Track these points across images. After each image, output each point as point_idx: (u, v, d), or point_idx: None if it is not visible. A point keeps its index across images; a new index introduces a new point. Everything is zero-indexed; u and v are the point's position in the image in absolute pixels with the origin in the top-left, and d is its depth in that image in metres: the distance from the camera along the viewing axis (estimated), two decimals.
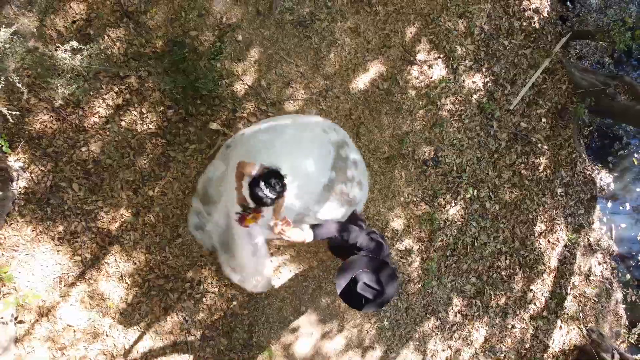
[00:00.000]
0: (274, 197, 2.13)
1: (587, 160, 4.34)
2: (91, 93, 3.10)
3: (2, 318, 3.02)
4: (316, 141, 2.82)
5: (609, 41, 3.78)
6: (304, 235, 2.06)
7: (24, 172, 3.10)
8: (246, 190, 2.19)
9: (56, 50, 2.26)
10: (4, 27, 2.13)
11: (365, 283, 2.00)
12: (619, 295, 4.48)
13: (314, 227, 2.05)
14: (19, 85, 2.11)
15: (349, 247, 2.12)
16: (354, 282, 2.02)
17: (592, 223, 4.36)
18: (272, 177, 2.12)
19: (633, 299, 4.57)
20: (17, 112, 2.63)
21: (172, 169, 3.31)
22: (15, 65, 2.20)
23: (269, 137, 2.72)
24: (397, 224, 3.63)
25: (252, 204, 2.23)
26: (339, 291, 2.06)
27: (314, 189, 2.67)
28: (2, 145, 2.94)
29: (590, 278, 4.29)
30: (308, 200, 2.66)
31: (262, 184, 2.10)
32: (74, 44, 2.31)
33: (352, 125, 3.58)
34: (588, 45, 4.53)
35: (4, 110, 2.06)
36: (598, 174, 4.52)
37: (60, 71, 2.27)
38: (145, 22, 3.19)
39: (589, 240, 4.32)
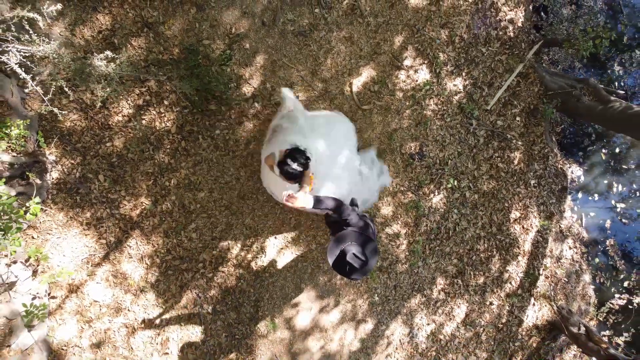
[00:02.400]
0: (300, 169, 2.57)
1: (558, 155, 4.73)
2: (116, 95, 3.48)
3: (38, 294, 3.39)
4: (330, 125, 3.27)
5: (575, 49, 4.19)
6: (306, 202, 2.40)
7: (57, 164, 3.46)
8: (279, 173, 2.62)
9: (93, 59, 2.65)
10: (53, 40, 2.52)
11: (354, 254, 2.35)
12: (587, 277, 4.88)
13: (316, 197, 2.41)
14: (66, 90, 2.49)
15: (341, 223, 2.51)
16: (342, 253, 2.37)
17: (564, 212, 4.75)
18: (296, 153, 2.57)
19: (602, 281, 4.99)
20: (66, 112, 2.97)
21: (187, 162, 3.68)
22: (59, 71, 2.58)
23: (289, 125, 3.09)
24: (387, 210, 4.03)
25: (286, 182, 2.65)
26: (331, 260, 2.41)
27: (328, 165, 3.06)
28: (39, 141, 3.33)
29: (561, 261, 4.70)
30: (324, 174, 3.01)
31: (289, 161, 2.54)
32: (109, 53, 2.70)
33: None
34: (560, 51, 4.94)
35: (55, 110, 2.44)
36: (569, 167, 4.90)
37: (97, 77, 2.65)
38: (164, 32, 3.56)
39: (560, 227, 4.72)
